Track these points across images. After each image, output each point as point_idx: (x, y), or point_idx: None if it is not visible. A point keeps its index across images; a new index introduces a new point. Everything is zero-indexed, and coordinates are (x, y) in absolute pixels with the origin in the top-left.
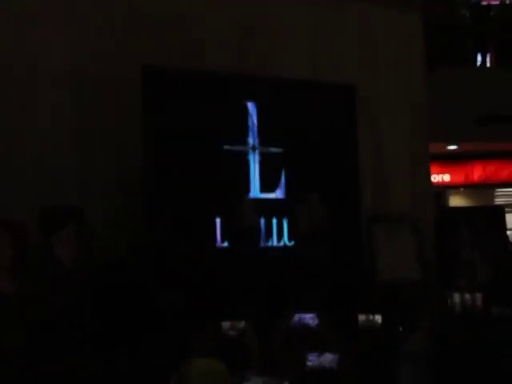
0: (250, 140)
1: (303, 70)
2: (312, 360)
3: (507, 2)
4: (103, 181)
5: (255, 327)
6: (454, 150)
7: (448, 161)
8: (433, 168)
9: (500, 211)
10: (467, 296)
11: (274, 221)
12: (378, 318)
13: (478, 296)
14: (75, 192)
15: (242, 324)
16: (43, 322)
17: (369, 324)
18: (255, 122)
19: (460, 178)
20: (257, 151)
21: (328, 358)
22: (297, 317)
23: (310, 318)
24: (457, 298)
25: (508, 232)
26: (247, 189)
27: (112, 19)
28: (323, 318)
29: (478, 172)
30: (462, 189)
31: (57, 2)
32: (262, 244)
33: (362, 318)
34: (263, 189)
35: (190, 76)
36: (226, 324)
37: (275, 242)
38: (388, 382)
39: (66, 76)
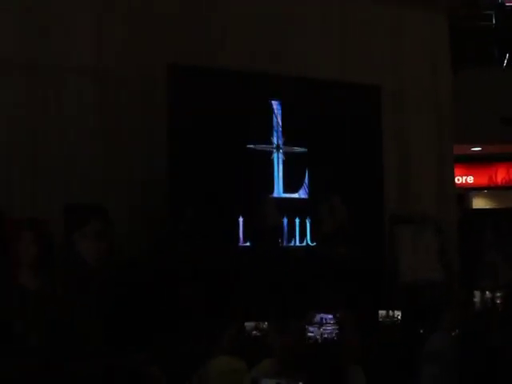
0: (275, 139)
1: (330, 70)
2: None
3: None
4: (128, 180)
5: (278, 327)
6: (478, 151)
7: (472, 163)
8: (456, 170)
9: None
10: (489, 295)
11: (297, 221)
12: (398, 313)
13: (500, 295)
14: (100, 191)
15: (265, 325)
16: (63, 320)
17: (389, 320)
18: (280, 121)
19: (484, 180)
20: (281, 151)
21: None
22: (318, 316)
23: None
24: (479, 297)
25: None
26: (271, 188)
27: (137, 19)
28: (345, 315)
29: (501, 174)
30: (485, 191)
31: (82, 2)
32: (285, 243)
33: (382, 313)
34: (286, 189)
35: (215, 74)
36: (249, 324)
37: (298, 242)
38: (408, 379)
39: (91, 75)
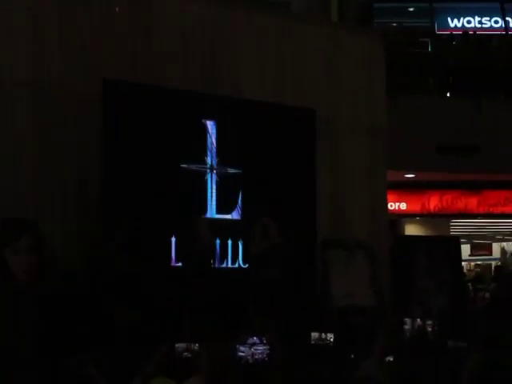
0: (209, 159)
1: (265, 92)
2: (244, 351)
3: (470, 32)
4: (62, 194)
5: (209, 348)
6: (411, 178)
7: (405, 189)
8: (389, 196)
9: (455, 242)
10: (419, 323)
11: (230, 242)
12: (331, 336)
13: (430, 324)
14: (32, 205)
15: (196, 346)
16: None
17: (322, 342)
18: (214, 141)
19: (416, 207)
20: (215, 171)
21: (259, 350)
22: (250, 340)
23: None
24: (409, 324)
25: (463, 263)
26: (204, 209)
27: (74, 31)
28: (274, 337)
29: (434, 201)
30: (418, 218)
31: (18, 12)
32: (217, 265)
33: (315, 335)
34: (220, 209)
35: (150, 91)
36: (181, 345)
37: (230, 264)
38: None
39: (26, 87)
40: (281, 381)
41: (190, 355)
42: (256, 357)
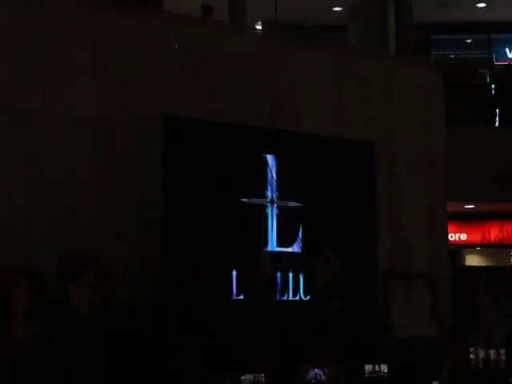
0: (269, 193)
1: (325, 126)
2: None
3: None
4: (124, 231)
5: (273, 381)
6: (471, 209)
7: (465, 220)
8: (450, 227)
9: None
10: (487, 352)
11: (291, 275)
12: (385, 367)
13: (497, 353)
14: (95, 242)
15: (263, 377)
16: (55, 370)
17: (375, 374)
18: (274, 175)
19: (477, 238)
20: (275, 205)
21: None
22: (312, 372)
23: (323, 373)
24: (480, 353)
25: None
26: (264, 242)
27: (135, 69)
28: (336, 371)
29: (494, 232)
30: (478, 248)
31: (81, 52)
32: (278, 298)
33: (368, 367)
34: (280, 242)
35: (210, 127)
36: (247, 377)
37: (291, 297)
38: None
39: (88, 125)
40: None
41: None
42: None
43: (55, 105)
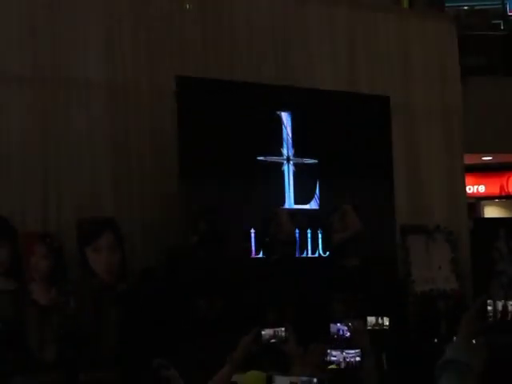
0: (285, 151)
1: (339, 81)
2: (336, 355)
3: None
4: (139, 192)
5: (295, 335)
6: (489, 161)
7: (483, 172)
8: (467, 179)
9: None
10: (510, 304)
11: (309, 232)
12: (387, 320)
13: None
14: (111, 204)
15: (283, 332)
16: (76, 333)
17: (378, 327)
18: (290, 132)
19: (495, 189)
20: (291, 162)
21: (351, 354)
22: (335, 327)
23: (344, 328)
24: (498, 305)
25: None
26: (282, 200)
27: (147, 31)
28: (356, 325)
29: None
30: (497, 200)
31: (93, 14)
32: (297, 255)
33: (371, 320)
34: (298, 200)
35: (224, 86)
36: (268, 331)
37: (310, 253)
38: None
39: (101, 87)
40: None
41: (276, 341)
42: (348, 360)
43: (68, 68)
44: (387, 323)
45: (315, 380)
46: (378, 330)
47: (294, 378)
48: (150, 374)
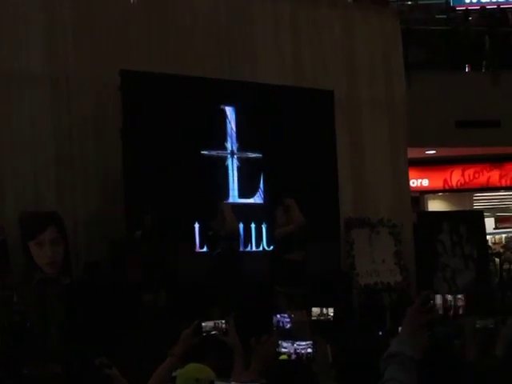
0: (229, 145)
1: (283, 76)
2: (287, 347)
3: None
4: (83, 185)
5: (237, 327)
6: (433, 154)
7: (426, 165)
8: (411, 173)
9: (479, 216)
10: (449, 298)
11: (253, 226)
12: (331, 310)
13: (460, 298)
14: (53, 197)
15: (223, 323)
16: (19, 327)
17: (323, 318)
18: (234, 127)
19: (439, 183)
20: (235, 156)
21: (302, 345)
22: (275, 318)
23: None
24: (438, 299)
25: (487, 236)
26: (226, 194)
27: (91, 25)
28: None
29: (456, 177)
30: (440, 194)
31: (32, 5)
32: (241, 249)
33: (316, 310)
34: (242, 194)
35: (167, 80)
36: (208, 324)
37: (254, 247)
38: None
39: (43, 78)
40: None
41: (217, 333)
42: (298, 351)
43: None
44: (331, 313)
45: None
46: (323, 321)
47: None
48: (92, 373)
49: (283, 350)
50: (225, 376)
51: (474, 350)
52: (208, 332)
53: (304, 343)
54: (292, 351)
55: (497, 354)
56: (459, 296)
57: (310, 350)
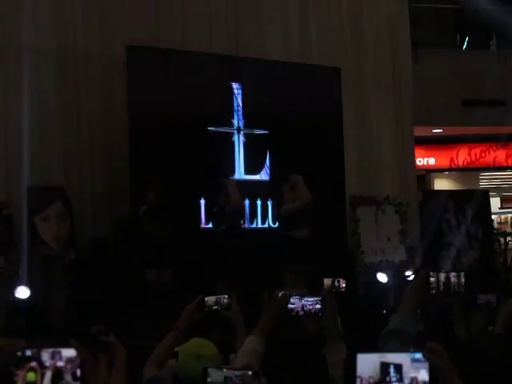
0: (235, 121)
1: (290, 52)
2: (294, 303)
3: None
4: (89, 160)
5: (240, 302)
6: (439, 133)
7: (433, 144)
8: (418, 151)
9: (485, 195)
10: (452, 275)
11: (259, 202)
12: (344, 282)
13: (462, 276)
14: (61, 172)
15: (226, 299)
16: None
17: (335, 290)
18: (240, 103)
19: (445, 162)
20: (242, 133)
21: (310, 301)
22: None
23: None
24: (442, 277)
25: (492, 216)
26: (232, 170)
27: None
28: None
29: (462, 156)
30: (446, 172)
31: None
32: (247, 225)
33: (328, 281)
34: (248, 170)
35: (174, 56)
36: (210, 299)
37: (260, 224)
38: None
39: (50, 52)
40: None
41: (219, 307)
42: (306, 308)
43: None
44: (344, 285)
45: (250, 373)
46: (335, 293)
47: (228, 372)
48: (88, 340)
49: (291, 306)
50: (229, 352)
51: (462, 326)
52: (210, 307)
53: (312, 299)
54: (300, 307)
55: (496, 330)
56: (462, 273)
57: (318, 306)
